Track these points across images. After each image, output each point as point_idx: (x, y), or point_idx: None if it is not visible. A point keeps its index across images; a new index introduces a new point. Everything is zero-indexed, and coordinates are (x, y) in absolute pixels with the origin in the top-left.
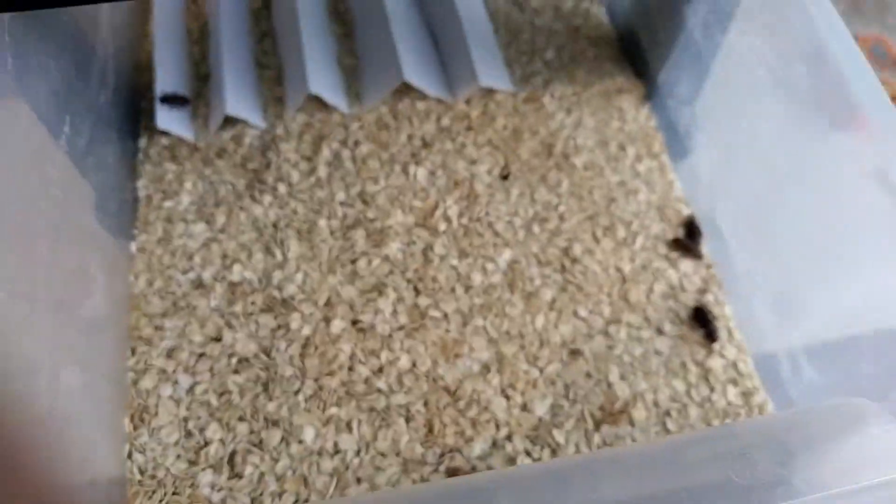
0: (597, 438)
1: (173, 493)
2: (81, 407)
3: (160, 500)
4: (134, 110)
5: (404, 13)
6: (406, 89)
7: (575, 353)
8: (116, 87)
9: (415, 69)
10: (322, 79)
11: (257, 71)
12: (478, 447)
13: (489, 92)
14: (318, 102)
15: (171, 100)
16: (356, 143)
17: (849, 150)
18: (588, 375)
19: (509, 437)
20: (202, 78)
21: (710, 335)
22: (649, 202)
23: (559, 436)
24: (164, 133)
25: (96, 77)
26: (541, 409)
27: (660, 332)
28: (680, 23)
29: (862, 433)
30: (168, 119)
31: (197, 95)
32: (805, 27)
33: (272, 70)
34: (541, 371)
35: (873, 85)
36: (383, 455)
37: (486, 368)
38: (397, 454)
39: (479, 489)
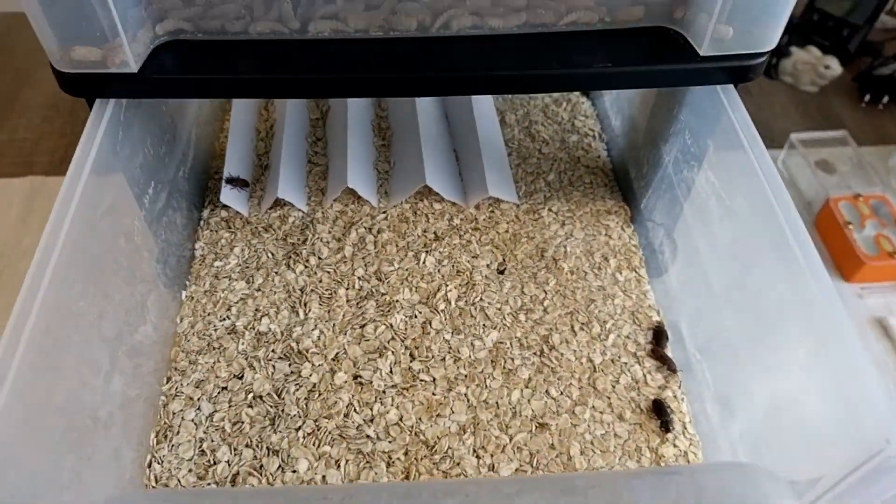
0: None
1: None
2: (119, 414)
3: None
4: (203, 188)
5: (434, 133)
6: (427, 192)
7: (542, 427)
8: (192, 168)
9: (435, 176)
10: (359, 176)
11: (308, 167)
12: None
13: (496, 201)
14: (353, 195)
15: (235, 181)
16: (379, 231)
17: (777, 276)
18: (552, 447)
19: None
20: (263, 168)
21: (666, 426)
22: (624, 306)
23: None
24: (225, 207)
25: (178, 157)
26: (506, 470)
27: (621, 418)
28: (658, 159)
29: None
30: (229, 196)
31: (256, 181)
32: (744, 166)
33: (320, 167)
34: (510, 438)
35: (793, 215)
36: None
37: (462, 430)
38: None
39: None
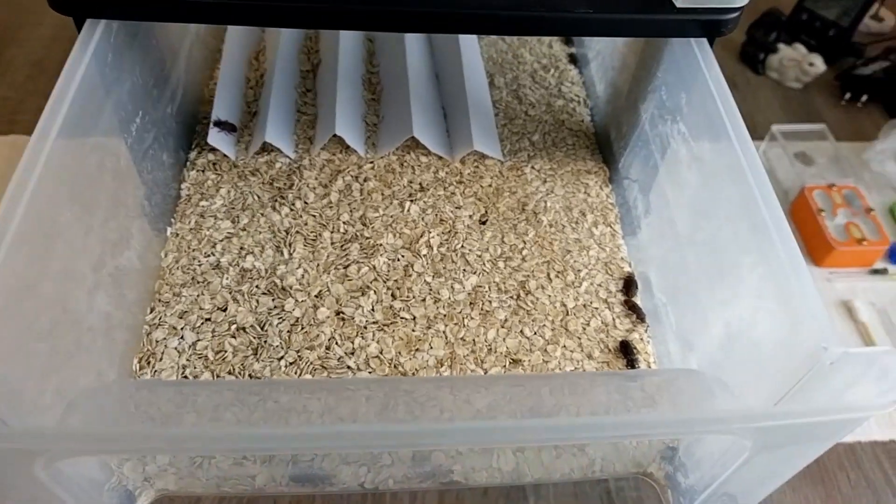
0: None
1: None
2: (102, 337)
3: None
4: (191, 131)
5: (423, 89)
6: (414, 145)
7: (516, 362)
8: (181, 108)
9: (423, 129)
10: (347, 126)
11: (296, 116)
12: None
13: (482, 157)
14: (341, 145)
15: (222, 125)
16: (365, 180)
17: (734, 210)
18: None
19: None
20: (251, 114)
21: (631, 364)
22: (598, 258)
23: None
24: (212, 150)
25: (167, 95)
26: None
27: (589, 357)
28: (637, 118)
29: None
30: (217, 139)
31: (244, 127)
32: (711, 114)
33: (309, 116)
34: (485, 371)
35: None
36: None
37: (439, 363)
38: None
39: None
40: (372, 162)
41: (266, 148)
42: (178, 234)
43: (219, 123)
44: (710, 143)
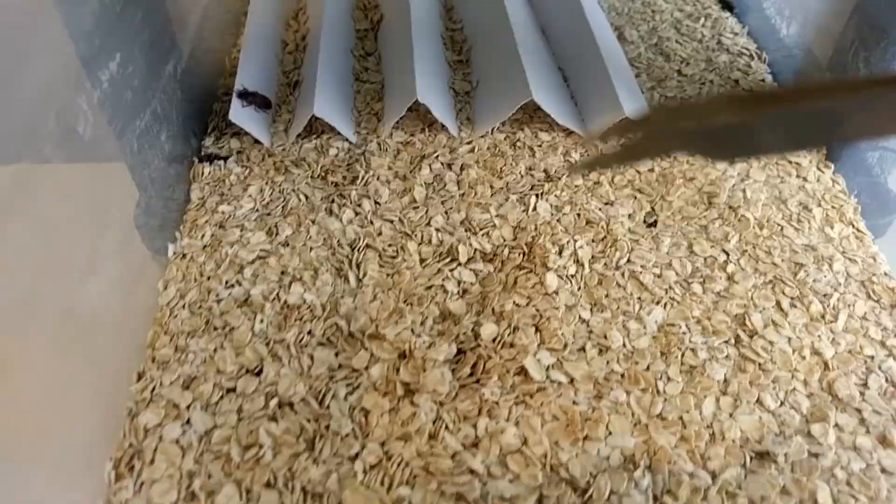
0: None
1: None
2: (59, 427)
3: None
4: (205, 110)
5: (532, 43)
6: (527, 119)
7: (763, 458)
8: (192, 86)
9: (543, 92)
10: (431, 94)
11: (355, 85)
12: None
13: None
14: (422, 122)
15: (250, 97)
16: (463, 167)
17: None
18: (785, 492)
19: None
20: (291, 86)
21: None
22: (848, 274)
23: None
24: (236, 134)
25: (166, 44)
26: None
27: (884, 441)
28: (880, 56)
29: None
30: (242, 116)
31: (282, 102)
32: None
33: (373, 85)
34: (713, 476)
35: None
36: None
37: (631, 463)
38: None
39: None
40: (470, 142)
41: (315, 129)
42: (184, 255)
43: (244, 95)
44: None
